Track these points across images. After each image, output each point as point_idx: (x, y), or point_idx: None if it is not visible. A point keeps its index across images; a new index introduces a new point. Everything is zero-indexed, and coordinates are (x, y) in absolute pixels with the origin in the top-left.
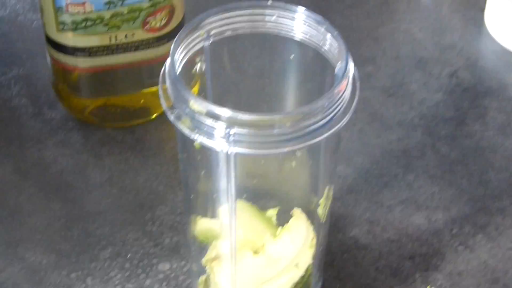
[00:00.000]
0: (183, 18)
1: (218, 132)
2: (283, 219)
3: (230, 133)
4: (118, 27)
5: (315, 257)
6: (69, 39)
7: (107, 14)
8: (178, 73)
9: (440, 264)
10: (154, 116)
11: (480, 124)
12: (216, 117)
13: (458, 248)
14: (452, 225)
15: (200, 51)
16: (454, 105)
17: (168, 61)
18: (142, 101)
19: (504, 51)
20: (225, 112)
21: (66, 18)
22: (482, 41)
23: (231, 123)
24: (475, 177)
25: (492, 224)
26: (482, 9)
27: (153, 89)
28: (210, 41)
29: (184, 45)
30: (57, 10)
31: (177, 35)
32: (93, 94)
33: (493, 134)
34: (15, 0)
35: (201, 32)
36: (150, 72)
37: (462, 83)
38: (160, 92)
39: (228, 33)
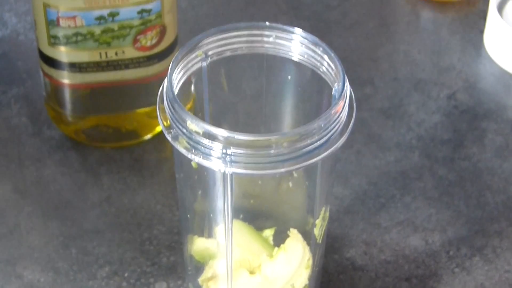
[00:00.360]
0: (175, 40)
1: (215, 152)
2: (279, 239)
3: (227, 153)
4: (109, 44)
5: (311, 278)
6: (60, 53)
7: (97, 30)
8: (175, 93)
9: (436, 286)
10: (144, 137)
11: (478, 146)
12: (213, 137)
13: (455, 270)
14: (449, 247)
15: (198, 72)
16: (452, 127)
17: (166, 81)
18: (134, 122)
19: (503, 73)
20: (222, 132)
21: (57, 32)
22: (481, 63)
23: (228, 143)
24: (472, 199)
25: (489, 247)
26: (481, 31)
27: (146, 110)
28: (208, 62)
29: (182, 65)
30: (49, 23)
31: (175, 55)
32: (84, 112)
33: (491, 156)
34: (16, 19)
35: (199, 52)
36: (141, 92)
37: (460, 105)
38: (158, 112)
39: (226, 53)
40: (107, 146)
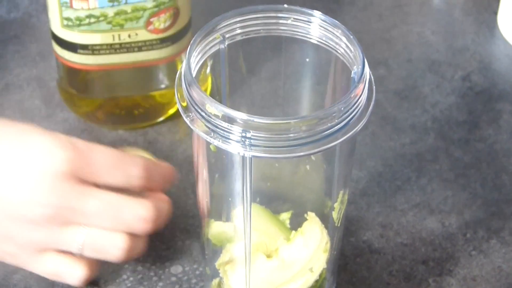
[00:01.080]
0: (188, 22)
1: (234, 135)
2: (296, 223)
3: (246, 136)
4: (122, 26)
5: (329, 261)
6: (73, 35)
7: (110, 12)
8: (194, 76)
9: (453, 269)
10: (157, 120)
11: (494, 127)
12: (232, 120)
13: (472, 253)
14: (465, 230)
15: (215, 54)
16: (467, 108)
17: (184, 63)
18: (147, 105)
19: None
20: (241, 115)
21: (70, 13)
22: (495, 44)
23: (247, 126)
24: (488, 181)
25: (506, 229)
26: (495, 12)
27: (158, 92)
28: (226, 44)
29: (200, 48)
30: (62, 5)
31: (194, 38)
32: (97, 94)
33: (507, 137)
34: (28, 1)
35: (216, 35)
36: (154, 74)
37: (475, 86)
38: (176, 95)
39: (244, 36)
40: (119, 128)
